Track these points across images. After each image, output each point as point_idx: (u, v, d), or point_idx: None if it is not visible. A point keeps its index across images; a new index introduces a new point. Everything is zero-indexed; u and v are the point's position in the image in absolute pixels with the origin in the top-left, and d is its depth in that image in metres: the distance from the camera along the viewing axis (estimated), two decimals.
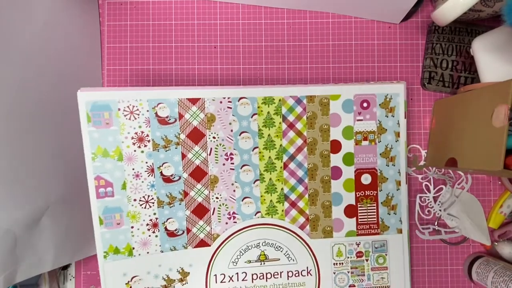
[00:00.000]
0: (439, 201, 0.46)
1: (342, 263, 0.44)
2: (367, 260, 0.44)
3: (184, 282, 0.42)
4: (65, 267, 0.46)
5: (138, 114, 0.39)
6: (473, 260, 0.44)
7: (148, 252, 0.41)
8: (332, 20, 0.47)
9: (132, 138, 0.39)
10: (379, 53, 0.47)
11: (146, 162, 0.40)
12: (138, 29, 0.47)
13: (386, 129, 0.43)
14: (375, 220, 0.44)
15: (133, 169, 0.40)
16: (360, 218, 0.44)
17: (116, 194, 0.39)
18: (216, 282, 0.42)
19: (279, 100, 0.42)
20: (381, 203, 0.44)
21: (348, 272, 0.44)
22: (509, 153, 0.33)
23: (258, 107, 0.41)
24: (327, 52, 0.47)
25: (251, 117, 0.41)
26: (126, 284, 0.41)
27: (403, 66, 0.47)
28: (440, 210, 0.46)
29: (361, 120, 0.43)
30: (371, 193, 0.44)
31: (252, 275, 0.43)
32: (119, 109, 0.38)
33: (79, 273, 0.46)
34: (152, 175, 0.40)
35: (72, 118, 0.41)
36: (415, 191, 0.47)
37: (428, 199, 0.46)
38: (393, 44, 0.47)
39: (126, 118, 0.39)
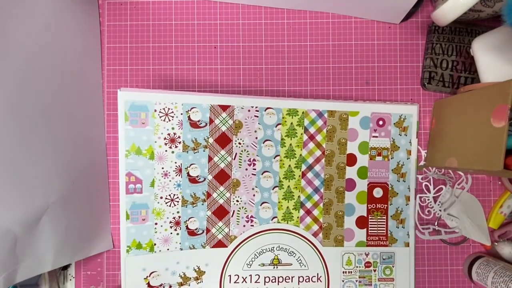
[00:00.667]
0: (439, 201, 0.46)
1: (351, 272, 0.45)
2: (374, 271, 0.45)
3: (199, 281, 0.43)
4: (65, 267, 0.46)
5: (173, 117, 0.41)
6: (473, 260, 0.44)
7: (168, 249, 0.42)
8: (332, 20, 0.47)
9: (165, 138, 0.41)
10: (379, 53, 0.47)
11: (175, 162, 0.42)
12: (138, 29, 0.47)
13: (399, 147, 0.45)
14: (384, 232, 0.45)
15: (162, 168, 0.41)
16: (370, 230, 0.45)
17: (144, 191, 0.41)
18: (230, 283, 0.44)
19: (303, 112, 0.44)
20: (391, 216, 0.45)
21: (356, 281, 0.45)
22: (509, 153, 0.33)
23: (283, 117, 0.44)
24: (327, 52, 0.47)
25: (276, 126, 0.44)
26: (144, 279, 0.42)
27: (403, 66, 0.47)
28: (440, 210, 0.46)
29: (376, 136, 0.45)
30: (382, 206, 0.45)
31: (265, 278, 0.44)
32: (155, 110, 0.41)
33: (79, 273, 0.46)
34: (179, 175, 0.42)
35: (72, 117, 0.41)
36: (415, 191, 0.47)
37: (428, 199, 0.46)
38: (393, 44, 0.47)
39: (161, 120, 0.41)
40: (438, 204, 0.46)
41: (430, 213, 0.46)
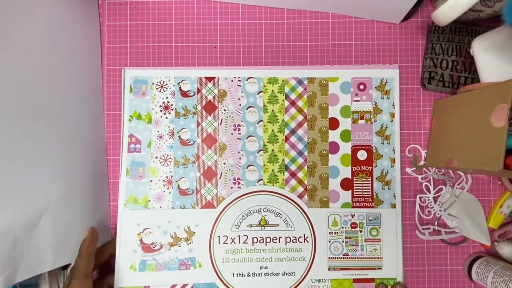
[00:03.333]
0: (439, 201, 0.46)
1: (337, 233, 0.46)
2: (361, 231, 0.46)
3: (189, 242, 0.45)
4: (65, 267, 0.46)
5: (167, 88, 0.46)
6: (473, 260, 0.44)
7: (161, 207, 0.46)
8: (332, 20, 0.47)
9: (160, 106, 0.46)
10: (379, 53, 0.47)
11: (169, 127, 0.46)
12: (138, 29, 0.47)
13: (382, 110, 0.47)
14: (369, 194, 0.46)
15: (158, 131, 0.46)
16: (355, 191, 0.46)
17: (142, 150, 0.46)
18: (219, 243, 0.46)
19: (283, 80, 0.47)
20: (376, 178, 0.46)
21: (343, 241, 0.46)
22: (509, 153, 0.33)
23: (264, 86, 0.47)
24: (327, 52, 0.47)
25: (258, 94, 0.47)
26: (138, 234, 0.45)
27: (403, 66, 0.47)
28: (440, 210, 0.46)
29: (358, 100, 0.46)
30: (367, 168, 0.46)
31: (253, 238, 0.46)
32: (153, 83, 0.46)
33: None
34: (172, 138, 0.46)
35: (72, 118, 0.41)
36: (415, 191, 0.47)
37: (428, 200, 0.46)
38: (393, 44, 0.47)
39: (158, 91, 0.46)
40: (438, 204, 0.46)
41: (430, 213, 0.46)
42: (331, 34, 0.47)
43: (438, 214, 0.46)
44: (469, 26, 0.45)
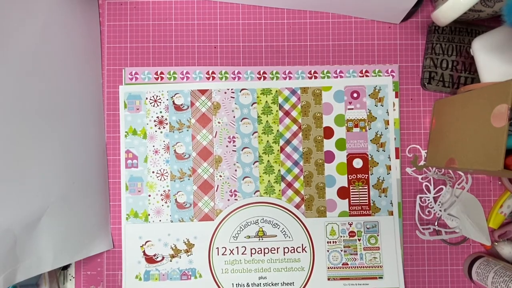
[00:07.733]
0: (439, 201, 0.46)
1: (336, 242, 0.46)
2: (359, 240, 0.46)
3: (189, 253, 0.46)
4: (65, 267, 0.46)
5: (160, 102, 0.47)
6: (473, 260, 0.44)
7: (160, 220, 0.46)
8: (332, 20, 0.47)
9: (155, 121, 0.47)
10: (379, 53, 0.47)
11: (164, 141, 0.47)
12: (138, 29, 0.47)
13: (376, 117, 0.47)
14: (366, 202, 0.46)
15: (153, 146, 0.47)
16: (352, 200, 0.46)
17: (139, 165, 0.47)
18: (218, 255, 0.46)
19: (276, 91, 0.47)
20: (372, 186, 0.46)
21: (341, 250, 0.46)
22: (509, 153, 0.33)
23: (258, 97, 0.47)
24: (327, 52, 0.47)
25: (251, 105, 0.47)
26: (140, 246, 0.46)
27: (403, 66, 0.47)
28: (440, 211, 0.46)
29: (352, 109, 0.46)
30: (363, 176, 0.46)
31: (251, 249, 0.46)
32: (146, 98, 0.47)
33: (79, 273, 0.46)
34: (167, 152, 0.47)
35: (72, 117, 0.41)
36: (415, 191, 0.47)
37: (428, 200, 0.46)
38: (393, 44, 0.47)
39: (151, 105, 0.47)
40: (438, 204, 0.46)
41: (430, 214, 0.46)
42: (331, 34, 0.47)
43: (438, 214, 0.46)
44: (469, 26, 0.45)
